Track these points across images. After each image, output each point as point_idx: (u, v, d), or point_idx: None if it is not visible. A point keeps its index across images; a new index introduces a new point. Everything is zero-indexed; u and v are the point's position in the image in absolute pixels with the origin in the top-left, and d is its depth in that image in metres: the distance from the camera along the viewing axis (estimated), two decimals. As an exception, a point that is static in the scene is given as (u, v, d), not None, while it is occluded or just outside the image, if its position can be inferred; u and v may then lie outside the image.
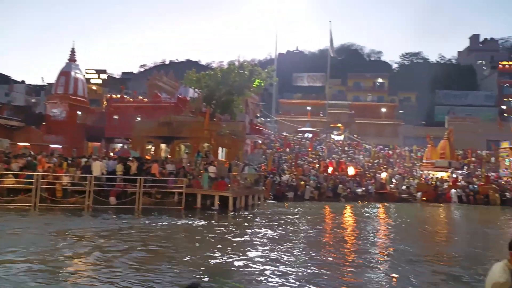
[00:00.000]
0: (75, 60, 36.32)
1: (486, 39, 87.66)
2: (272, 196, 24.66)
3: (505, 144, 34.97)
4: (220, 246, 10.43)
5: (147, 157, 23.56)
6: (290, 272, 8.09)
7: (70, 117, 34.27)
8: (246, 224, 15.14)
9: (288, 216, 17.33)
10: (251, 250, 10.16)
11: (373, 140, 46.75)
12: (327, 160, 33.69)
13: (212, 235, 12.15)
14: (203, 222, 14.35)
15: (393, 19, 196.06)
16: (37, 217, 14.14)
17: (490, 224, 19.36)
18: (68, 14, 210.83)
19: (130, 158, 19.44)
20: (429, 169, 33.37)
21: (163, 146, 27.12)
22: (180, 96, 35.75)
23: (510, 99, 66.18)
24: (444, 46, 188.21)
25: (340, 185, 27.02)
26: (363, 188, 27.56)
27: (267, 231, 13.26)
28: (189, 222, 14.31)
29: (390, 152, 41.99)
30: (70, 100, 34.46)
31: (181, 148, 26.78)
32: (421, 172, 33.64)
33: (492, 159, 38.07)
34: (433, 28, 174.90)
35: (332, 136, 48.21)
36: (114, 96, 40.08)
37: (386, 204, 25.51)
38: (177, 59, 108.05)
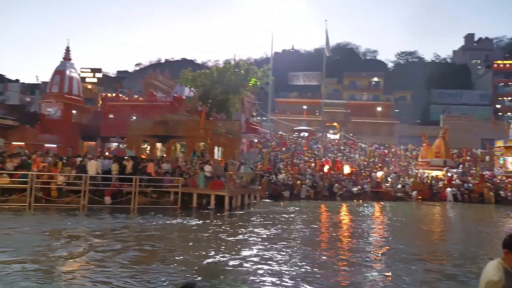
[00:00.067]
0: (70, 59, 36.11)
1: (480, 38, 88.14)
2: (268, 195, 24.66)
3: (499, 143, 35.17)
4: (215, 245, 10.44)
5: (143, 156, 23.48)
6: (284, 271, 8.10)
7: (65, 116, 34.08)
8: (241, 223, 15.13)
9: (284, 215, 17.34)
10: (246, 249, 10.16)
11: (369, 139, 46.92)
12: (323, 159, 33.74)
13: (207, 234, 12.14)
14: (198, 222, 14.33)
15: (388, 18, 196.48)
16: (32, 217, 14.07)
17: (485, 223, 19.49)
18: (64, 12, 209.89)
19: (126, 157, 19.37)
20: (424, 168, 33.53)
21: (158, 145, 27.08)
22: (176, 95, 35.65)
23: (504, 98, 66.65)
24: (439, 45, 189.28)
25: (336, 184, 27.09)
26: (359, 187, 27.64)
27: (263, 230, 13.26)
28: (184, 222, 14.29)
29: (386, 151, 42.14)
30: (65, 99, 34.26)
31: (177, 147, 26.75)
32: (416, 171, 33.78)
33: (487, 157, 38.31)
34: (428, 27, 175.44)
35: (328, 135, 48.29)
36: (109, 95, 39.91)
37: (382, 203, 25.59)
38: (172, 58, 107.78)
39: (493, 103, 65.19)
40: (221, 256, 9.15)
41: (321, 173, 29.16)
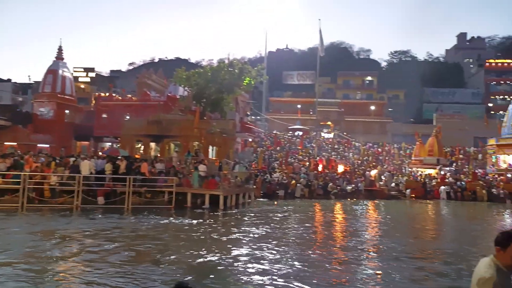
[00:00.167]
0: (62, 58, 35.85)
1: (473, 37, 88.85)
2: (263, 194, 24.67)
3: (491, 141, 35.48)
4: (207, 244, 10.45)
5: (137, 156, 23.39)
6: (276, 270, 8.13)
7: (57, 116, 33.84)
8: (235, 222, 15.14)
9: (278, 214, 17.37)
10: (238, 248, 10.18)
11: (362, 138, 47.12)
12: (317, 158, 33.82)
13: (200, 234, 12.14)
14: (192, 221, 14.31)
15: (382, 18, 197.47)
16: (24, 217, 13.96)
17: (477, 220, 19.66)
18: (56, 11, 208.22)
19: (119, 157, 19.30)
20: (417, 166, 33.72)
21: (152, 144, 26.95)
22: (169, 94, 35.54)
23: (496, 96, 67.23)
24: (432, 44, 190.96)
25: (330, 184, 27.15)
26: (353, 186, 27.75)
27: (256, 229, 13.29)
28: (178, 221, 14.27)
29: (379, 149, 42.34)
30: (57, 98, 34.03)
31: (171, 146, 26.65)
32: (410, 169, 33.97)
33: (480, 156, 38.62)
34: (421, 26, 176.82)
35: (322, 134, 48.44)
36: (102, 94, 39.69)
37: (376, 201, 25.71)
38: (166, 57, 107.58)
39: (485, 101, 65.72)
40: (212, 256, 9.16)
41: (316, 172, 29.23)
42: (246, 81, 29.63)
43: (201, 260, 8.80)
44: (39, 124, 33.21)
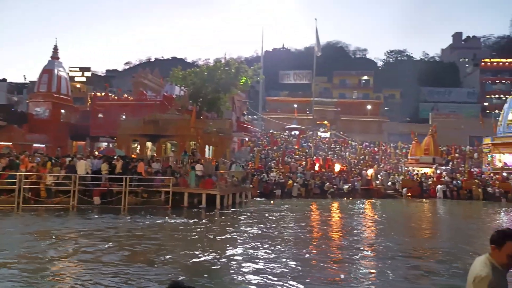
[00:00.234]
0: (58, 58, 35.67)
1: (468, 36, 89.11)
2: (260, 193, 24.69)
3: (487, 140, 35.66)
4: (202, 244, 10.44)
5: (133, 156, 23.32)
6: (271, 269, 8.13)
7: (53, 115, 33.69)
8: (231, 222, 15.14)
9: (274, 214, 17.37)
10: (234, 248, 10.18)
11: (359, 137, 47.20)
12: (314, 157, 33.87)
13: (195, 233, 12.12)
14: (188, 221, 14.30)
15: (378, 17, 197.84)
16: (20, 217, 13.91)
17: (473, 219, 19.74)
18: (52, 10, 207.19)
19: (116, 157, 19.24)
20: (413, 165, 33.85)
21: (149, 144, 26.88)
22: (166, 94, 35.47)
23: (492, 96, 67.55)
24: (428, 44, 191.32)
25: (327, 183, 27.19)
26: (350, 185, 27.81)
27: (252, 228, 13.30)
28: (174, 221, 14.26)
29: (376, 149, 42.44)
30: (53, 98, 33.87)
31: (167, 146, 26.58)
32: (406, 168, 34.08)
33: (475, 155, 38.80)
34: (417, 26, 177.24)
35: (319, 133, 48.47)
36: (98, 94, 39.52)
37: (372, 200, 25.79)
38: (162, 57, 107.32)
39: (480, 101, 66.00)
40: (207, 255, 9.16)
41: (312, 171, 29.27)
42: (243, 80, 29.62)
43: (196, 259, 8.79)
44: (35, 124, 33.05)
